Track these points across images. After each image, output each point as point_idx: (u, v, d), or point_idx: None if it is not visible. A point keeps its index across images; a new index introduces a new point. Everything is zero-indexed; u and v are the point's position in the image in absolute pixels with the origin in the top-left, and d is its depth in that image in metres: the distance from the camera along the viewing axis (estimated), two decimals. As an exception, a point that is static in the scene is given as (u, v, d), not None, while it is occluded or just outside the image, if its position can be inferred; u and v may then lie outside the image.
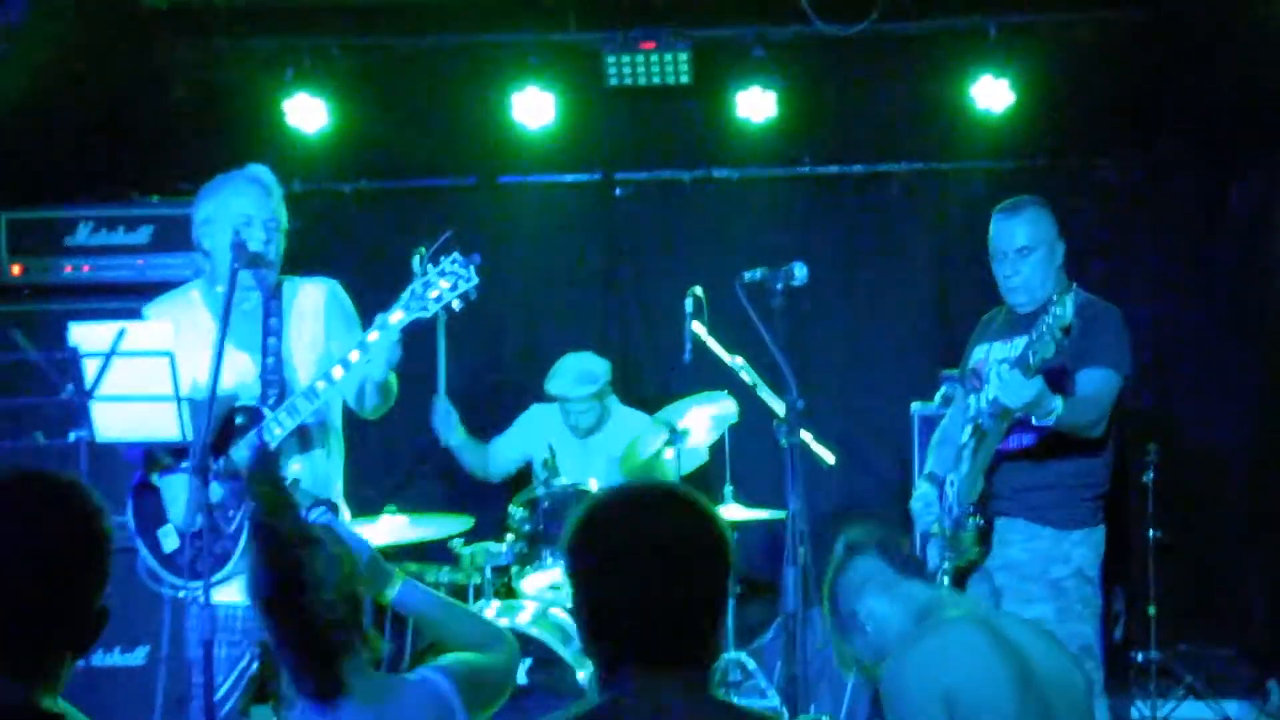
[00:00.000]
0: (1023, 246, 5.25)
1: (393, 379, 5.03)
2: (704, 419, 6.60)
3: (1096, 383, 5.13)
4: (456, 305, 4.79)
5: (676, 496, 2.63)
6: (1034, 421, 4.93)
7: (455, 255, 4.78)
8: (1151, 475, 7.14)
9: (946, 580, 4.96)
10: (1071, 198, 7.63)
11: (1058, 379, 5.10)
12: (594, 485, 6.55)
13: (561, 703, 5.94)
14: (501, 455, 7.39)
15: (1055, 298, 4.71)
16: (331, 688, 3.10)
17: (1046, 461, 5.09)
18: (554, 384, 7.22)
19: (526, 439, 7.35)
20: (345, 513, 5.12)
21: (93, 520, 2.43)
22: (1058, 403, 4.85)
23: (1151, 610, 7.09)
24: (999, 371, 4.89)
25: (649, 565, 2.51)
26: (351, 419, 5.18)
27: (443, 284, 4.76)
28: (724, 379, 6.34)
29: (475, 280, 4.78)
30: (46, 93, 6.87)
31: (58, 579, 2.38)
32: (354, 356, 4.77)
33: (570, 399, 7.18)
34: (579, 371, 7.20)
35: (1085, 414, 5.05)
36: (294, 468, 4.88)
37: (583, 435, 7.27)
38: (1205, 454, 7.64)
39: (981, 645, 3.40)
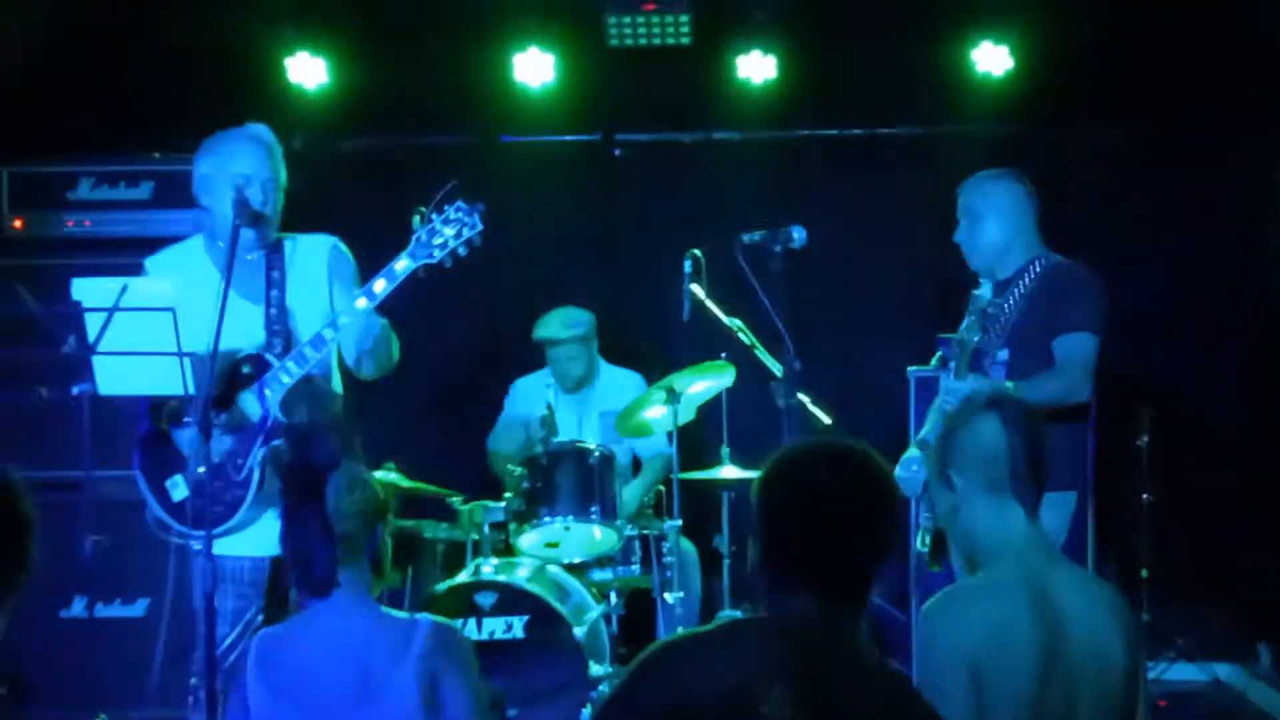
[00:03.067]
0: (964, 213, 5.51)
1: (395, 341, 5.07)
2: (705, 387, 6.63)
3: (1070, 346, 5.21)
4: (462, 252, 4.83)
5: (858, 454, 2.98)
6: None
7: (460, 203, 4.83)
8: (1146, 438, 7.18)
9: (926, 540, 5.00)
10: (1070, 162, 7.65)
11: (1035, 354, 5.17)
12: (591, 443, 6.59)
13: (558, 658, 6.00)
14: (504, 438, 7.41)
15: (1031, 272, 4.85)
16: (325, 580, 3.62)
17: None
18: (541, 329, 7.28)
19: (520, 410, 7.39)
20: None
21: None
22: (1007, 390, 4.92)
23: (1144, 573, 7.14)
24: (942, 387, 5.02)
25: (827, 506, 2.91)
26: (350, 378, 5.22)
27: (448, 231, 4.81)
28: (722, 339, 6.36)
29: (480, 226, 4.83)
30: (49, 48, 6.88)
31: None
32: (360, 304, 4.81)
33: (559, 341, 7.23)
34: (564, 317, 7.27)
35: (1058, 381, 5.12)
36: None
37: (573, 388, 7.30)
38: (1199, 418, 7.67)
39: (1021, 623, 3.37)
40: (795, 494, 2.96)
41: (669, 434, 6.55)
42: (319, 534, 3.63)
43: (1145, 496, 7.16)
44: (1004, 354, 5.24)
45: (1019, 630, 3.38)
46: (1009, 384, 5.01)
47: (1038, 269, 5.35)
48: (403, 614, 3.81)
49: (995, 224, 5.44)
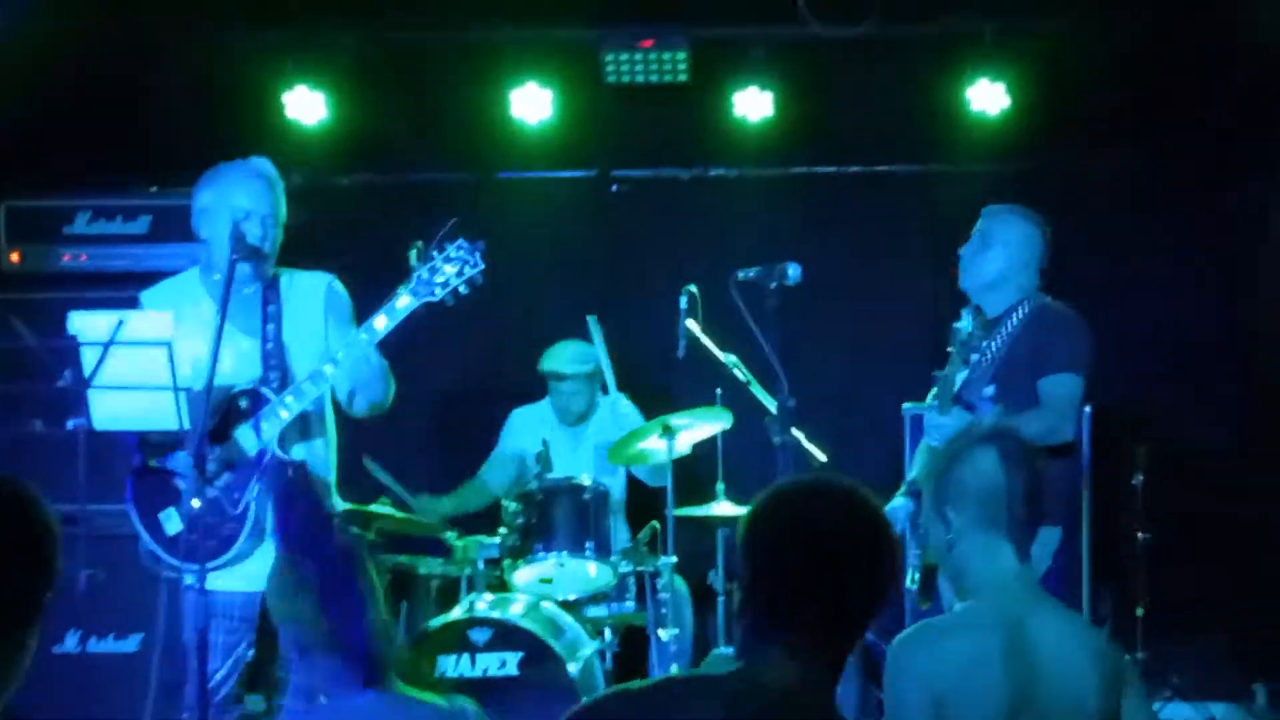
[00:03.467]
0: (979, 233, 5.54)
1: (391, 381, 5.08)
2: (702, 430, 6.63)
3: (1054, 387, 5.25)
4: (463, 290, 4.85)
5: (854, 492, 2.81)
6: None
7: (461, 241, 4.85)
8: (1141, 477, 7.18)
9: (916, 577, 5.00)
10: (1065, 200, 7.67)
11: (1021, 393, 5.19)
12: (586, 479, 6.59)
13: (552, 695, 5.98)
14: (497, 470, 7.41)
15: (965, 313, 4.90)
16: (380, 674, 3.33)
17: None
18: (549, 362, 7.27)
19: (516, 444, 7.39)
20: (337, 499, 5.17)
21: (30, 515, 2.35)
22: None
23: (1139, 611, 7.13)
24: (927, 423, 5.04)
25: (826, 544, 2.73)
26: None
27: (449, 269, 4.83)
28: (717, 375, 6.37)
29: (481, 265, 4.85)
30: (46, 81, 6.89)
31: None
32: (361, 339, 4.81)
33: (566, 376, 7.23)
34: (574, 351, 7.26)
35: (1040, 421, 5.15)
36: (297, 454, 4.93)
37: (572, 422, 7.31)
38: (1194, 456, 7.67)
39: (992, 660, 3.35)
40: (790, 529, 2.79)
41: (665, 467, 6.54)
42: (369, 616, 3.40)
43: (1140, 535, 7.16)
44: (990, 390, 5.29)
45: (989, 667, 3.35)
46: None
47: (1026, 309, 5.41)
48: (439, 700, 3.49)
49: (998, 255, 5.49)
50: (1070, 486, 5.38)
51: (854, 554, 2.76)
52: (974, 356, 5.02)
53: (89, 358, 4.64)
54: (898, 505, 5.43)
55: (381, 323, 4.82)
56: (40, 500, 2.33)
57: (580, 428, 7.35)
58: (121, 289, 5.68)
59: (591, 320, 6.92)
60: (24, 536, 2.30)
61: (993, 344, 5.28)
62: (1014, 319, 5.39)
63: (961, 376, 4.94)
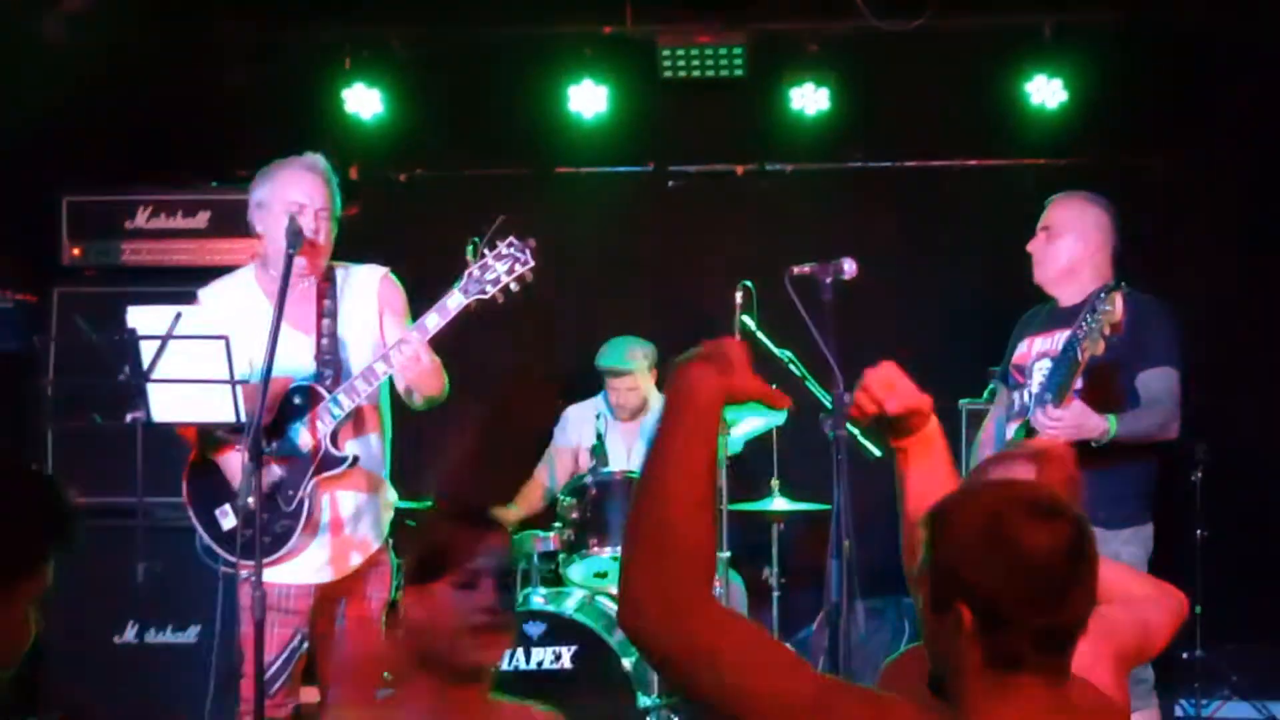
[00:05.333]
0: (1046, 226, 5.40)
1: (446, 377, 5.09)
2: (756, 424, 6.63)
3: (1158, 383, 5.14)
4: (514, 288, 4.86)
5: (1064, 506, 2.42)
6: (1092, 444, 4.92)
7: (512, 238, 4.86)
8: (1199, 475, 7.13)
9: None
10: (1123, 195, 7.59)
11: (1111, 386, 5.12)
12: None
13: (606, 689, 5.99)
14: (553, 466, 7.43)
15: (1102, 295, 4.74)
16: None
17: (1095, 458, 5.07)
18: (605, 358, 7.27)
19: (570, 439, 7.40)
20: (392, 494, 5.19)
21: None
22: (1108, 422, 4.87)
23: (1198, 609, 7.07)
24: (1036, 413, 4.92)
25: (1062, 574, 2.33)
26: (400, 404, 5.24)
27: (500, 267, 4.84)
28: (772, 371, 6.36)
29: (532, 263, 4.86)
30: (108, 78, 6.95)
31: None
32: (413, 337, 4.83)
33: (622, 372, 7.23)
34: (629, 347, 7.26)
35: (1153, 418, 5.08)
36: (351, 449, 4.95)
37: (628, 418, 7.31)
38: (1254, 453, 7.60)
39: None
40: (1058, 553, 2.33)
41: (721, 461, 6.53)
42: None
43: (1199, 532, 7.11)
44: (1078, 383, 5.15)
45: None
46: (1112, 418, 4.94)
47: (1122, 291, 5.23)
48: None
49: (1071, 243, 5.39)
50: (1155, 483, 5.31)
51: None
52: (1114, 341, 4.78)
53: (147, 352, 4.68)
54: None
55: (433, 320, 4.84)
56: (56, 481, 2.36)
57: (635, 423, 7.35)
58: (181, 284, 5.71)
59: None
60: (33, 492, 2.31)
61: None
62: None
63: (1096, 352, 4.75)
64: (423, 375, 4.93)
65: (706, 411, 2.40)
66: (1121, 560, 5.04)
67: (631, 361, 7.24)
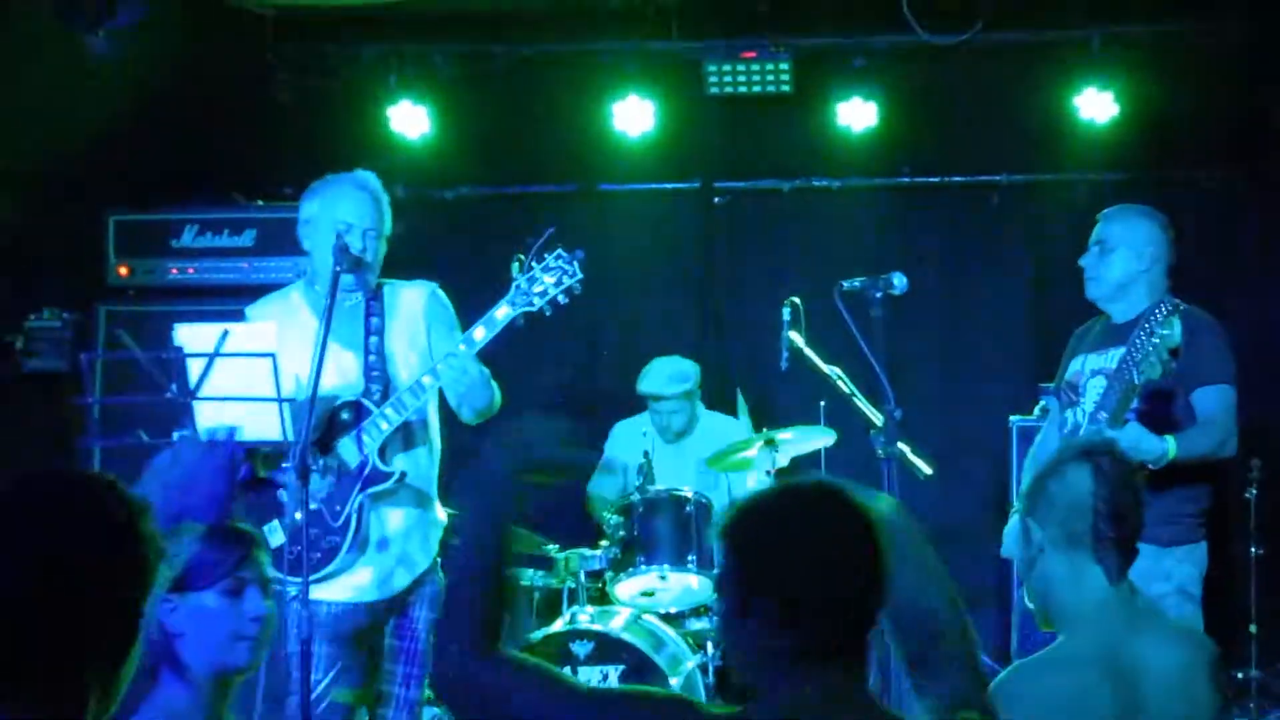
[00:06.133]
0: (1099, 241, 5.32)
1: (495, 389, 5.07)
2: (804, 446, 6.59)
3: (1215, 401, 5.05)
4: (562, 300, 4.84)
5: (837, 494, 2.55)
6: (1149, 466, 4.85)
7: (559, 251, 4.83)
8: (1254, 491, 7.05)
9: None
10: (1174, 209, 7.53)
11: (1167, 406, 5.05)
12: (688, 491, 6.55)
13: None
14: (604, 481, 7.39)
15: (1160, 317, 4.66)
16: None
17: (1150, 476, 4.99)
18: (646, 383, 7.24)
19: (620, 456, 7.37)
20: (441, 512, 5.16)
21: (120, 520, 2.21)
22: (1167, 444, 4.80)
23: (1253, 628, 7.00)
24: (1089, 434, 4.84)
25: (833, 553, 2.47)
26: (451, 419, 5.21)
27: (547, 279, 4.81)
28: (820, 388, 6.31)
29: (580, 275, 4.83)
30: (154, 97, 6.97)
31: (72, 583, 2.15)
32: (460, 350, 4.81)
33: (664, 397, 7.19)
34: (671, 371, 7.23)
35: (1211, 437, 5.00)
36: (398, 465, 4.93)
37: (673, 439, 7.27)
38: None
39: (1094, 698, 3.22)
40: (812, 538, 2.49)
41: (771, 479, 6.49)
42: None
43: (1255, 550, 7.02)
44: (1134, 402, 5.07)
45: (1092, 706, 3.21)
46: (1170, 440, 4.87)
47: (1164, 314, 5.15)
48: None
49: (1124, 258, 5.30)
50: (1211, 500, 5.24)
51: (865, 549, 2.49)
52: (1172, 367, 4.69)
53: (194, 369, 4.67)
54: (1012, 526, 5.31)
55: (480, 334, 4.82)
56: (129, 504, 2.27)
57: (682, 443, 7.32)
58: (228, 302, 5.74)
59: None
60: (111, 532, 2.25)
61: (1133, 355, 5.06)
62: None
63: (1154, 375, 4.68)
64: (472, 387, 4.91)
65: (500, 492, 2.75)
66: (1175, 579, 4.98)
67: (671, 386, 7.20)
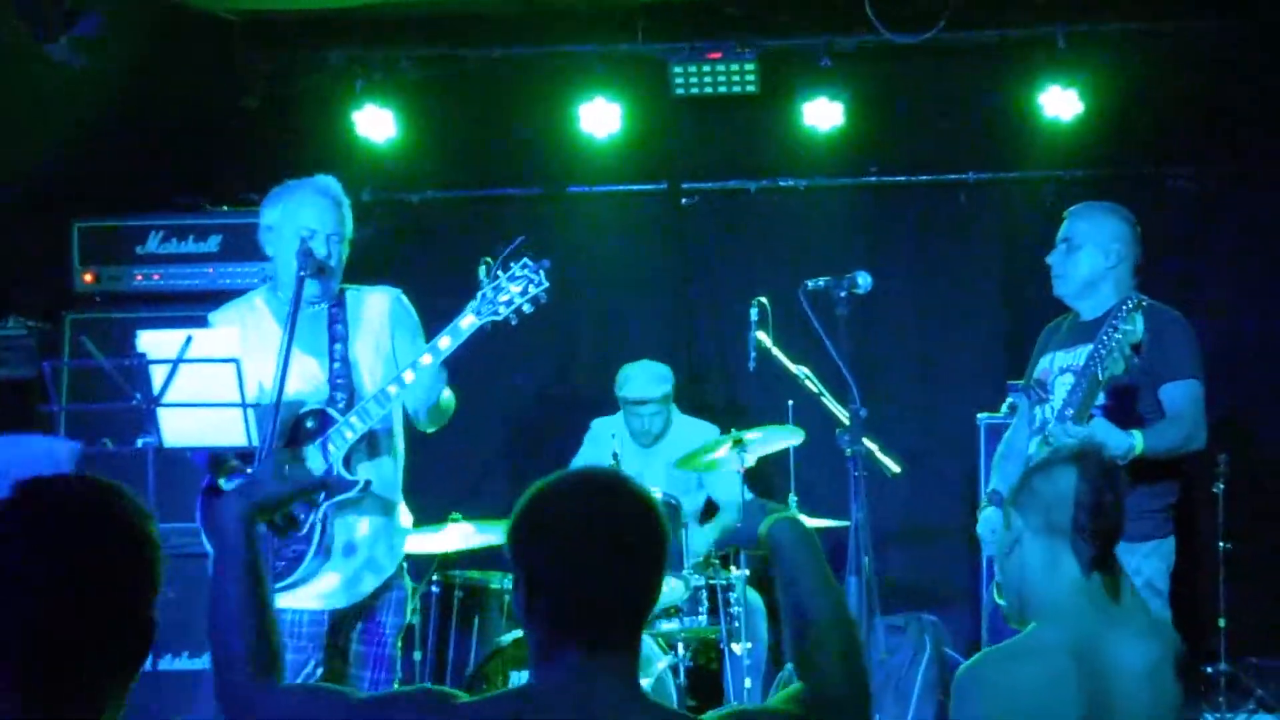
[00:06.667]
0: (1066, 238, 5.35)
1: (449, 396, 5.07)
2: (772, 445, 6.59)
3: (1182, 396, 5.08)
4: (527, 309, 4.83)
5: (621, 483, 2.64)
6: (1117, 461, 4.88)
7: (526, 260, 4.82)
8: (1222, 486, 7.08)
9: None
10: (1141, 207, 7.57)
11: (1135, 401, 5.07)
12: (656, 492, 6.54)
13: None
14: None
15: (1124, 313, 4.69)
16: None
17: (1116, 472, 5.03)
18: (630, 388, 7.23)
19: (598, 453, 7.37)
20: (406, 518, 5.16)
21: (135, 526, 2.24)
22: (1133, 439, 4.83)
23: (1221, 623, 7.02)
24: (1054, 430, 4.86)
25: (594, 548, 2.55)
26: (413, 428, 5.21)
27: (513, 288, 4.80)
28: (788, 387, 6.32)
29: (546, 284, 4.81)
30: (119, 103, 6.95)
31: (98, 590, 2.17)
32: (425, 360, 4.80)
33: (648, 400, 7.19)
34: (652, 374, 7.23)
35: (1178, 431, 5.02)
36: (363, 473, 4.92)
37: (649, 443, 7.28)
38: (1276, 464, 7.56)
39: (1062, 687, 3.24)
40: (555, 537, 2.56)
41: (740, 477, 6.48)
42: None
43: (1222, 545, 7.05)
44: (1101, 398, 5.09)
45: (1059, 694, 3.23)
46: (1137, 434, 4.89)
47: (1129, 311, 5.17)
48: None
49: (1091, 255, 5.32)
50: (1178, 495, 5.26)
51: (639, 546, 2.59)
52: (1134, 363, 4.75)
53: (158, 376, 4.67)
54: (989, 515, 5.33)
55: (445, 343, 4.80)
56: (141, 509, 2.28)
57: (655, 446, 7.32)
58: (194, 308, 5.73)
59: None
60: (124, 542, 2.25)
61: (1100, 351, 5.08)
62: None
63: (1117, 371, 4.70)
64: (433, 397, 4.92)
65: (233, 536, 2.86)
66: (1144, 574, 5.00)
67: (654, 388, 7.20)
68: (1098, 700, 3.25)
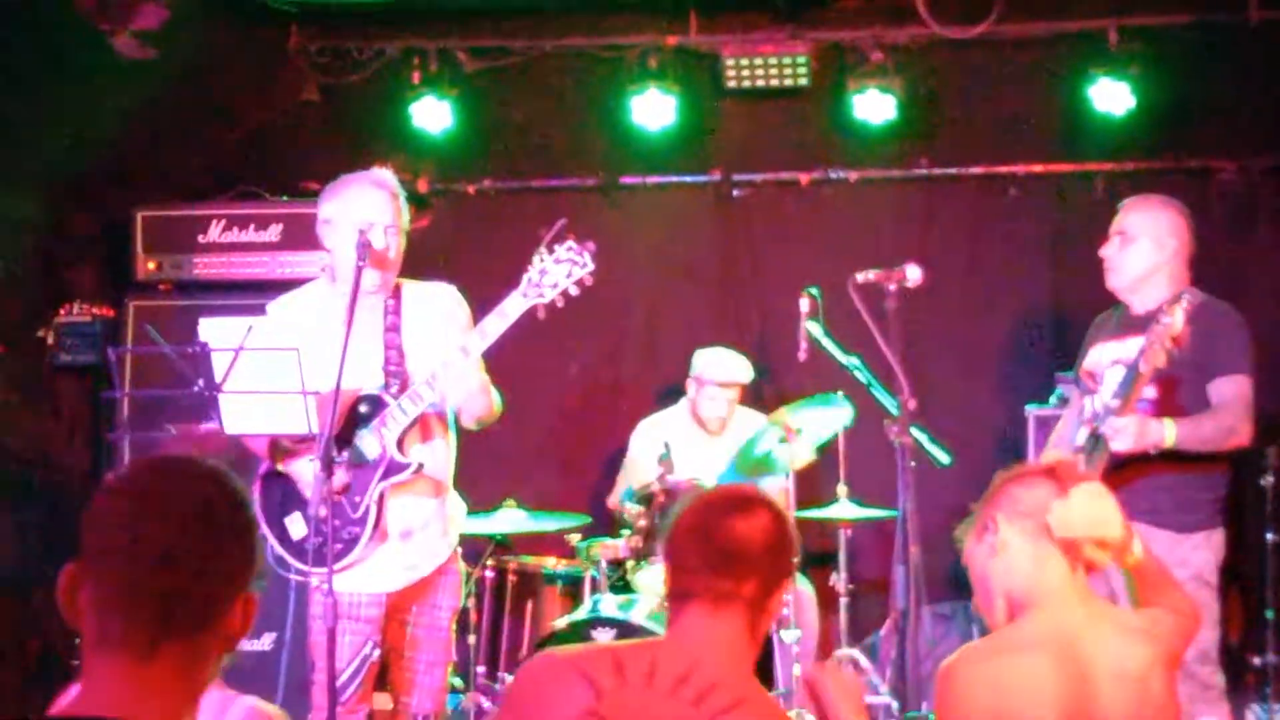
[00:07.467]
0: (1121, 231, 5.35)
1: (496, 397, 5.12)
2: (818, 422, 6.63)
3: (1228, 390, 5.10)
4: (573, 291, 4.88)
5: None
6: (1152, 452, 4.91)
7: (570, 242, 4.88)
8: (1270, 478, 7.07)
9: None
10: (1191, 200, 7.57)
11: (1185, 395, 5.10)
12: (709, 480, 6.60)
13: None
14: (642, 476, 7.45)
15: (1165, 306, 4.73)
16: None
17: (1166, 464, 5.05)
18: (719, 371, 7.27)
19: (647, 452, 7.42)
20: (460, 502, 5.23)
21: (246, 505, 2.27)
22: (1165, 429, 4.86)
23: (1269, 614, 7.02)
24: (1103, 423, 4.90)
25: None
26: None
27: (558, 270, 4.86)
28: (838, 378, 6.37)
29: (590, 266, 4.87)
30: (180, 94, 7.06)
31: (217, 562, 2.18)
32: (475, 339, 4.87)
33: (736, 384, 7.27)
34: (740, 359, 7.29)
35: (1218, 424, 5.04)
36: (416, 456, 5.00)
37: (718, 429, 7.31)
38: (1325, 458, 7.53)
39: (1041, 680, 3.27)
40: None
41: (787, 471, 6.53)
42: None
43: (1270, 537, 7.05)
44: (1150, 391, 5.11)
45: (1040, 689, 3.25)
46: (1169, 424, 4.92)
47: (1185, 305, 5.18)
48: None
49: (1146, 249, 5.33)
50: (1227, 489, 5.28)
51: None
52: (1175, 355, 4.78)
53: (220, 363, 4.75)
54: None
55: (494, 324, 4.86)
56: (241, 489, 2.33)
57: (721, 435, 7.36)
58: (254, 296, 5.79)
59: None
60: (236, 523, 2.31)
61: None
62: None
63: (1159, 362, 4.73)
64: (470, 396, 4.98)
65: None
66: (1192, 565, 5.02)
67: (742, 373, 7.27)
68: (1080, 696, 3.28)
